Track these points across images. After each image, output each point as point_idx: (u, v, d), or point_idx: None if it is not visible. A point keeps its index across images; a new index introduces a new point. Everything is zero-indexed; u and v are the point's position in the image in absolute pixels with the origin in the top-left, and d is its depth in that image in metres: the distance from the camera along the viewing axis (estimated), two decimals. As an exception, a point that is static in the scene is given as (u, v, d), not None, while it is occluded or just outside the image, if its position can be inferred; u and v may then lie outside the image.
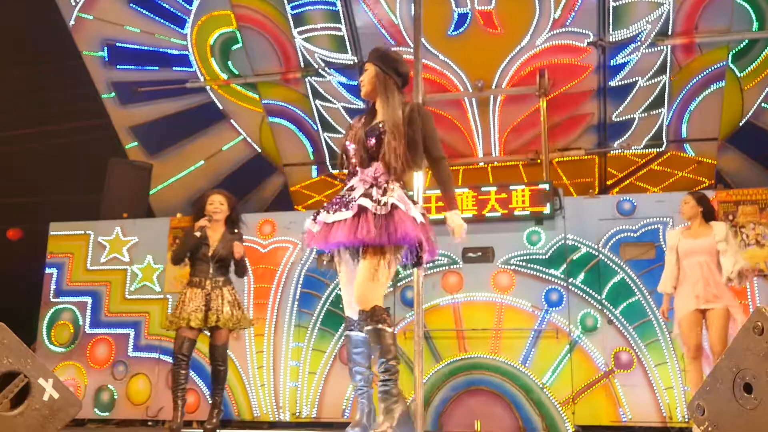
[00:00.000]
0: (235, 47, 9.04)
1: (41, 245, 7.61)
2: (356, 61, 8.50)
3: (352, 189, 3.02)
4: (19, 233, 10.29)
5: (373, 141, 3.03)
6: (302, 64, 8.70)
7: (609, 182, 8.72)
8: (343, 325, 3.06)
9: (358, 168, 3.04)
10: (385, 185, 2.96)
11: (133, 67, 9.15)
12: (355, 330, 3.00)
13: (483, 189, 6.66)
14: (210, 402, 5.06)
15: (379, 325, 2.86)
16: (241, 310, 5.00)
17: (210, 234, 5.00)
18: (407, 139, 3.03)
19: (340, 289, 3.19)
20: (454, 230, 3.07)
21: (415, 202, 3.03)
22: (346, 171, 3.18)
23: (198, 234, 4.88)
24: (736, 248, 4.94)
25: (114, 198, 7.94)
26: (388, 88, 3.15)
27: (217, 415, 4.92)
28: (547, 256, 6.42)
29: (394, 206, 2.89)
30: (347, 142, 3.13)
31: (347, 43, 8.43)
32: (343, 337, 3.12)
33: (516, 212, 6.48)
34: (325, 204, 3.07)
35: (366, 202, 2.88)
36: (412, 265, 3.09)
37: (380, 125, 3.05)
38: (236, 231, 5.12)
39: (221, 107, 9.35)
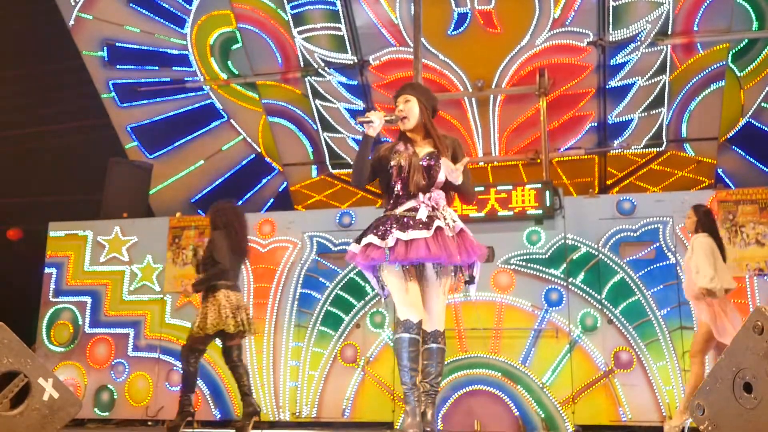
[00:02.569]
0: (234, 47, 9.05)
1: (41, 245, 7.61)
2: (356, 60, 8.51)
3: (412, 210, 3.26)
4: (19, 233, 10.30)
5: (432, 170, 3.30)
6: (302, 63, 8.70)
7: (609, 182, 8.73)
8: (401, 326, 3.24)
9: (419, 193, 3.28)
10: (442, 210, 3.29)
11: (133, 67, 9.16)
12: (413, 333, 3.20)
13: (483, 189, 6.66)
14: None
15: (445, 346, 3.30)
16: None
17: None
18: None
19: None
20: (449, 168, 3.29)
21: None
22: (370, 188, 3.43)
23: None
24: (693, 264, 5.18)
25: (114, 198, 7.93)
26: (432, 122, 3.45)
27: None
28: (547, 256, 6.42)
29: (462, 230, 3.28)
30: (400, 165, 3.31)
31: (347, 42, 8.43)
32: (395, 340, 3.26)
33: (516, 212, 6.47)
34: (379, 226, 3.28)
35: (441, 224, 3.20)
36: (466, 283, 3.44)
37: (436, 155, 3.32)
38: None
39: (221, 107, 9.35)
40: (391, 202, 3.35)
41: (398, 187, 3.33)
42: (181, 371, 5.17)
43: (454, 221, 3.27)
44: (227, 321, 4.94)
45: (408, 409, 3.19)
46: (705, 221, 5.32)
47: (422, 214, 3.23)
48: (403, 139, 3.45)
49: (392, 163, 3.34)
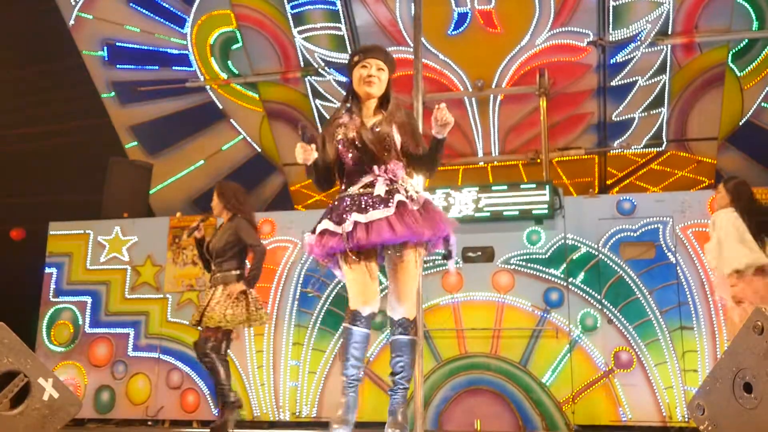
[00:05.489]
0: (235, 47, 9.04)
1: (41, 245, 7.61)
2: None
3: (368, 186, 2.94)
4: (22, 233, 10.29)
5: (387, 139, 2.98)
6: (302, 63, 8.70)
7: (609, 182, 8.72)
8: (348, 317, 2.93)
9: (374, 165, 2.96)
10: (401, 182, 2.94)
11: (133, 66, 9.15)
12: (361, 326, 2.92)
13: (483, 189, 6.66)
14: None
15: (416, 337, 2.95)
16: (232, 309, 4.67)
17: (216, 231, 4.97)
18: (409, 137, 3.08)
19: (343, 287, 3.09)
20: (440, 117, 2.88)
21: None
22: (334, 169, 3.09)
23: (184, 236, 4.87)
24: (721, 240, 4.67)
25: (114, 198, 7.94)
26: (392, 91, 3.14)
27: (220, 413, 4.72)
28: (547, 256, 6.42)
29: (427, 201, 2.93)
30: (347, 137, 3.02)
31: (347, 42, 8.43)
32: (343, 330, 2.96)
33: (516, 212, 6.48)
34: (333, 210, 2.96)
35: (403, 197, 2.86)
36: (444, 258, 3.10)
37: (392, 124, 3.02)
38: (238, 217, 4.84)
39: (221, 107, 9.35)
40: (345, 180, 3.02)
41: (350, 162, 2.99)
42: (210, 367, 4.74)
43: (417, 192, 2.92)
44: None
45: (342, 401, 2.90)
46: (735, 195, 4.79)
47: (380, 190, 2.89)
48: (352, 106, 3.10)
49: (339, 137, 3.02)
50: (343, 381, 2.94)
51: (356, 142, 2.99)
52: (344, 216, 2.87)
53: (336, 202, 2.99)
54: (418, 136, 3.09)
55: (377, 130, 2.99)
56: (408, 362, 2.91)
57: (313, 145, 2.94)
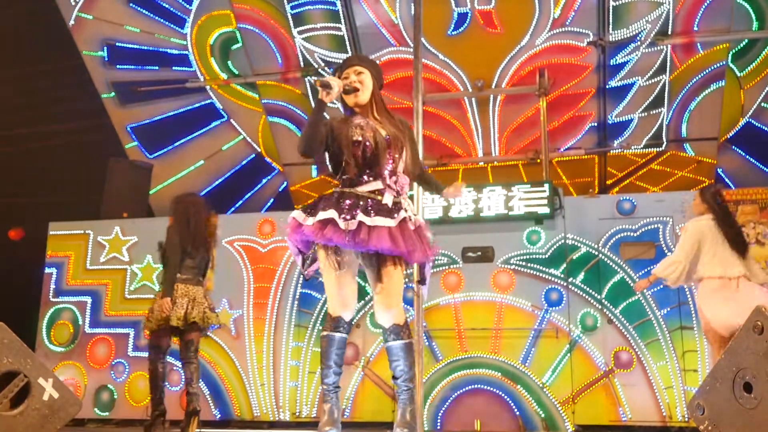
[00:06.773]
0: (235, 47, 9.05)
1: (41, 245, 7.60)
2: (356, 61, 8.50)
3: (377, 192, 2.99)
4: (21, 233, 10.29)
5: (396, 152, 3.07)
6: (302, 63, 8.70)
7: (609, 182, 8.72)
8: (329, 324, 3.04)
9: (385, 174, 3.01)
10: (405, 197, 3.07)
11: (133, 67, 9.15)
12: (343, 332, 3.03)
13: (483, 189, 6.66)
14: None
15: (411, 340, 3.02)
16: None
17: None
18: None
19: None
20: (457, 192, 3.21)
21: None
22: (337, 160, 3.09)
23: None
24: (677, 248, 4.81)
25: (114, 198, 7.94)
26: (383, 101, 3.18)
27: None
28: (547, 256, 6.42)
29: (421, 225, 3.06)
30: (366, 140, 3.00)
31: (347, 42, 8.43)
32: (322, 337, 3.05)
33: (516, 212, 6.47)
34: (340, 203, 2.96)
35: (404, 215, 2.97)
36: (418, 283, 3.39)
37: (400, 138, 3.09)
38: (171, 227, 4.95)
39: (221, 107, 9.35)
40: (346, 177, 3.02)
41: (362, 164, 3.00)
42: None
43: (415, 214, 3.04)
44: (171, 315, 4.69)
45: (326, 408, 2.98)
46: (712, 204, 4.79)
47: (387, 200, 2.96)
48: (360, 113, 3.12)
49: (356, 137, 2.99)
50: (323, 388, 3.01)
51: (373, 148, 2.99)
52: (350, 214, 2.89)
53: (337, 196, 2.99)
54: (416, 155, 3.24)
55: (389, 137, 3.04)
56: (407, 365, 2.98)
57: (334, 91, 2.97)
